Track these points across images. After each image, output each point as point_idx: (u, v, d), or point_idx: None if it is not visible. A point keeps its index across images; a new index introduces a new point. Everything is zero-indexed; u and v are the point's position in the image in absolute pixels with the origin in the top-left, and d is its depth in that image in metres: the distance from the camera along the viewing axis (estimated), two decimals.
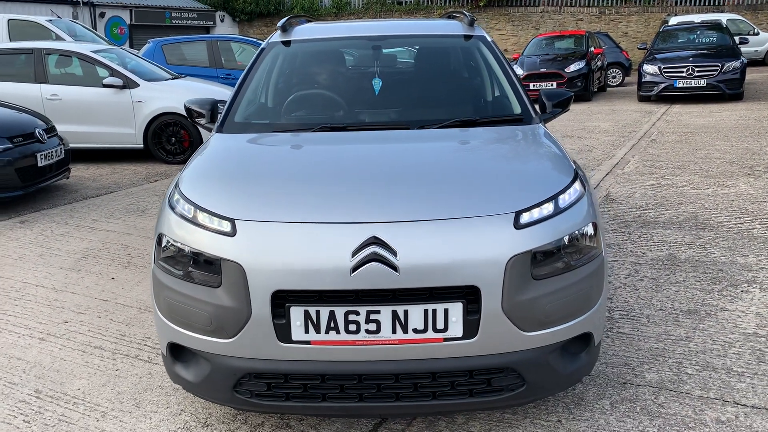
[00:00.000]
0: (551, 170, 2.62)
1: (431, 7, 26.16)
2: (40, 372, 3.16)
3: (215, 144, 3.03)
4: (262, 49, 3.74)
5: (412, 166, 2.64)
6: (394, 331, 2.19)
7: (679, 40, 15.40)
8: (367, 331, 2.19)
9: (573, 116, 12.65)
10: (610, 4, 25.39)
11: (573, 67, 15.16)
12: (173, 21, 23.65)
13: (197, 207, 2.42)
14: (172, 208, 2.51)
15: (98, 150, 8.79)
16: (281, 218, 2.29)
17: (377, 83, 3.43)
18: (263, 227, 2.27)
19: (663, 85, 13.96)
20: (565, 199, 2.45)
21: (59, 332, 3.59)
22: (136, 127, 8.46)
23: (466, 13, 3.91)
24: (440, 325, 2.20)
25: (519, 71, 15.52)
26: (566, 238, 2.36)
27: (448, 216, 2.27)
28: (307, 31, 3.85)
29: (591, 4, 25.62)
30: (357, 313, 2.18)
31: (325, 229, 2.24)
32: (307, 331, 2.20)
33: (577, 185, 2.54)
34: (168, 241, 2.45)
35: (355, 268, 2.15)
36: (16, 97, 8.21)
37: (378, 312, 2.18)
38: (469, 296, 2.20)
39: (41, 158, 6.38)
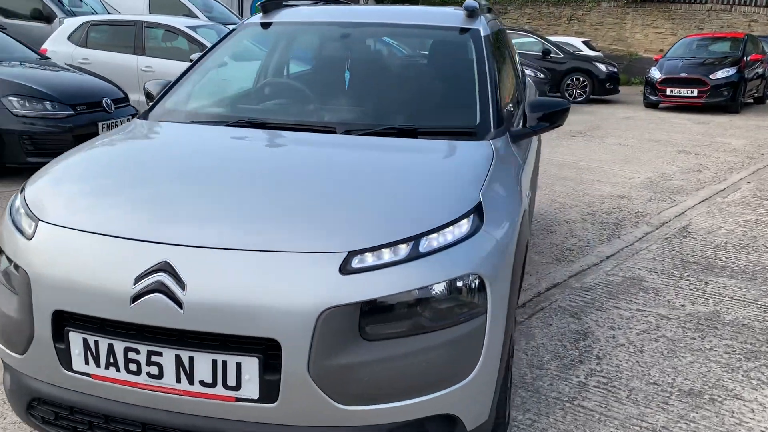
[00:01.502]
0: (436, 203, 2.06)
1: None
2: None
3: (114, 132, 2.78)
4: (233, 30, 3.43)
5: (279, 180, 2.20)
6: (178, 380, 1.81)
7: None
8: (149, 375, 1.82)
9: (705, 129, 11.21)
10: None
11: (720, 74, 13.44)
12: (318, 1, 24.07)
13: (23, 202, 2.16)
14: (12, 202, 2.27)
15: None
16: (81, 225, 1.96)
17: (339, 77, 3.00)
18: (60, 234, 1.96)
19: None
20: (440, 240, 1.91)
21: None
22: None
23: (480, 3, 3.34)
24: (232, 381, 1.78)
25: (656, 75, 14.05)
26: (430, 290, 1.83)
27: (265, 247, 1.83)
28: (294, 13, 3.47)
29: None
30: (137, 352, 1.82)
31: (118, 245, 1.88)
32: (87, 362, 1.87)
33: (464, 224, 1.98)
34: None
35: (136, 297, 1.79)
36: (115, 66, 8.59)
37: (160, 354, 1.80)
38: (271, 351, 1.76)
39: (103, 127, 6.55)
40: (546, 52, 15.03)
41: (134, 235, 1.88)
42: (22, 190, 2.25)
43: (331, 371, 1.76)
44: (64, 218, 2.00)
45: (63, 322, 1.88)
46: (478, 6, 3.27)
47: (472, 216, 2.02)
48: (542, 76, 13.32)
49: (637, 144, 9.55)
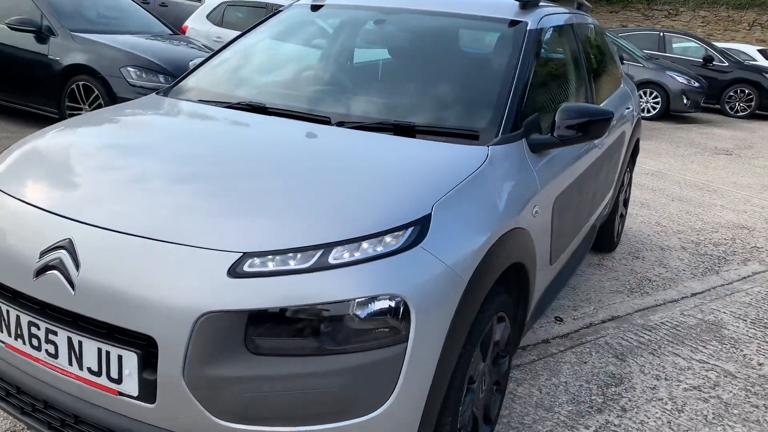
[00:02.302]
0: (370, 209, 1.81)
1: None
2: None
3: (121, 104, 2.77)
4: (279, 10, 3.34)
5: (219, 168, 2.04)
6: (70, 363, 1.74)
7: None
8: (47, 353, 1.78)
9: None
10: None
11: None
12: None
13: None
14: None
15: None
16: (18, 193, 1.95)
17: (350, 66, 2.83)
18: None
19: None
20: (361, 251, 1.68)
21: None
22: None
23: None
24: (114, 373, 1.68)
25: None
26: (335, 307, 1.61)
27: (160, 237, 1.70)
28: None
29: None
30: (38, 328, 1.77)
31: (36, 216, 1.84)
32: (1, 330, 1.86)
33: (398, 237, 1.72)
34: None
35: (39, 272, 1.74)
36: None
37: (56, 334, 1.75)
38: (151, 349, 1.64)
39: None
40: (708, 59, 13.65)
41: (51, 207, 1.84)
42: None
43: (207, 381, 1.60)
44: (11, 185, 2.01)
45: None
46: None
47: (410, 229, 1.77)
48: (697, 85, 12.10)
49: None
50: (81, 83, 6.51)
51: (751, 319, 3.76)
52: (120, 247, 1.70)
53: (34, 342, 1.79)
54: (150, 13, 8.18)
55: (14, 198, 1.93)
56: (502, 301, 2.18)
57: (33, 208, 1.87)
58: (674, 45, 14.45)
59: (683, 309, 3.85)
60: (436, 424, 1.89)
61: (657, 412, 2.75)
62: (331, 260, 1.65)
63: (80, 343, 1.71)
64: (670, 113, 12.09)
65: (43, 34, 6.65)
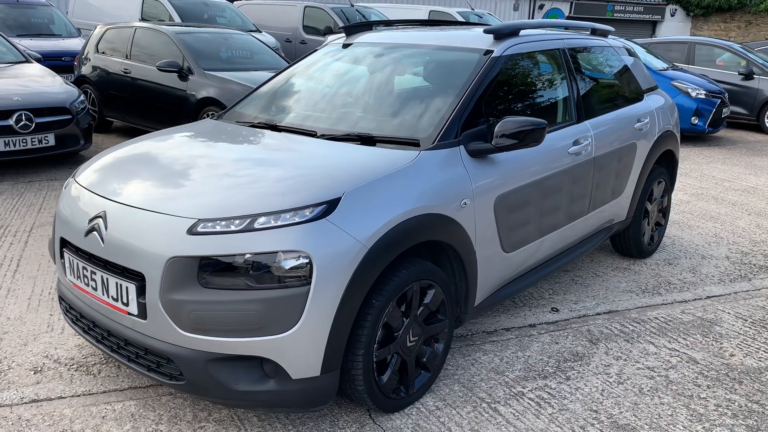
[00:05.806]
0: (292, 191, 2.52)
1: None
2: None
3: (186, 125, 3.70)
4: (316, 49, 4.16)
5: (215, 165, 2.85)
6: (102, 293, 2.64)
7: None
8: (92, 287, 2.69)
9: None
10: None
11: None
12: (615, 14, 23.36)
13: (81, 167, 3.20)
14: None
15: None
16: (84, 182, 2.91)
17: (344, 92, 3.58)
18: (74, 186, 2.94)
19: None
20: (278, 219, 2.40)
21: None
22: None
23: (513, 24, 3.56)
24: (125, 299, 2.55)
25: None
26: (255, 256, 2.35)
27: (150, 208, 2.55)
28: (372, 36, 4.07)
29: None
30: (87, 270, 2.69)
31: (87, 195, 2.79)
32: (71, 273, 2.82)
33: (307, 211, 2.43)
34: None
35: (87, 233, 2.67)
36: None
37: (95, 273, 2.65)
38: (143, 282, 2.47)
39: None
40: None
41: (97, 191, 2.77)
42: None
43: (173, 303, 2.40)
44: (80, 176, 2.99)
45: (64, 245, 2.85)
46: (500, 29, 3.51)
47: (321, 206, 2.46)
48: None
49: None
50: (210, 112, 7.82)
51: (752, 321, 3.92)
52: (128, 214, 2.58)
53: (85, 280, 2.71)
54: (275, 51, 9.46)
55: (81, 185, 2.90)
56: (425, 270, 2.78)
57: (88, 191, 2.81)
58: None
59: (686, 308, 4.09)
60: (347, 352, 2.55)
61: (596, 383, 3.14)
62: (255, 225, 2.40)
63: (107, 279, 2.60)
64: None
65: (184, 74, 8.08)
